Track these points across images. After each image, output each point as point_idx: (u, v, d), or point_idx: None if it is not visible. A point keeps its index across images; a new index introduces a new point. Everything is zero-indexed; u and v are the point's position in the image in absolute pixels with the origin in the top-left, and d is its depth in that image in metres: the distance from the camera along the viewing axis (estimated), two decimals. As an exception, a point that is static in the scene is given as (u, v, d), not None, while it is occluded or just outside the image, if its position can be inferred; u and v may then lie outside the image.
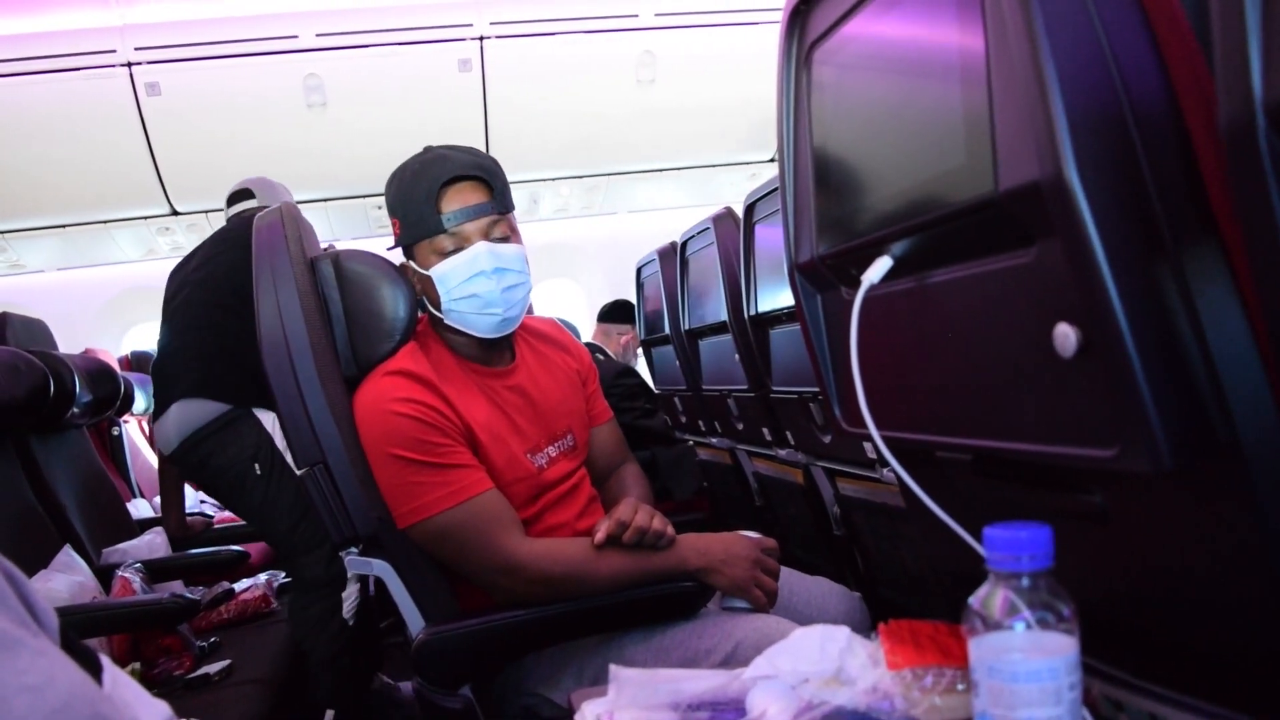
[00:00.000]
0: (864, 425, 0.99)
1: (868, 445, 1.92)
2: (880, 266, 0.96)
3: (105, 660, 0.69)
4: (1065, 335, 0.74)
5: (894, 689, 0.88)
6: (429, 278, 1.61)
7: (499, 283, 1.59)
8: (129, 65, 4.26)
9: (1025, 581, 0.71)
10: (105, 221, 4.86)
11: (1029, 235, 0.77)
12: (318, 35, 4.36)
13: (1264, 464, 0.71)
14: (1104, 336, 0.71)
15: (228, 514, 4.28)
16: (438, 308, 1.63)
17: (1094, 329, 0.72)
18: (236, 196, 3.19)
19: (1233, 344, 0.70)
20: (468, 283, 1.59)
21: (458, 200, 1.58)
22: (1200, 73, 0.68)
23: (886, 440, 0.99)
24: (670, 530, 1.56)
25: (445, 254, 1.59)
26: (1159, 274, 0.70)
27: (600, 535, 1.53)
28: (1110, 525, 0.88)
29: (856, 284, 0.99)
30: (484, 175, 1.60)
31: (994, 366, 0.87)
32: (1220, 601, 0.82)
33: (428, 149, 1.65)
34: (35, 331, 3.42)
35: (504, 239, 1.61)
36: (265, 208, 3.25)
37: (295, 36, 4.35)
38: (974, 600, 0.73)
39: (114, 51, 4.24)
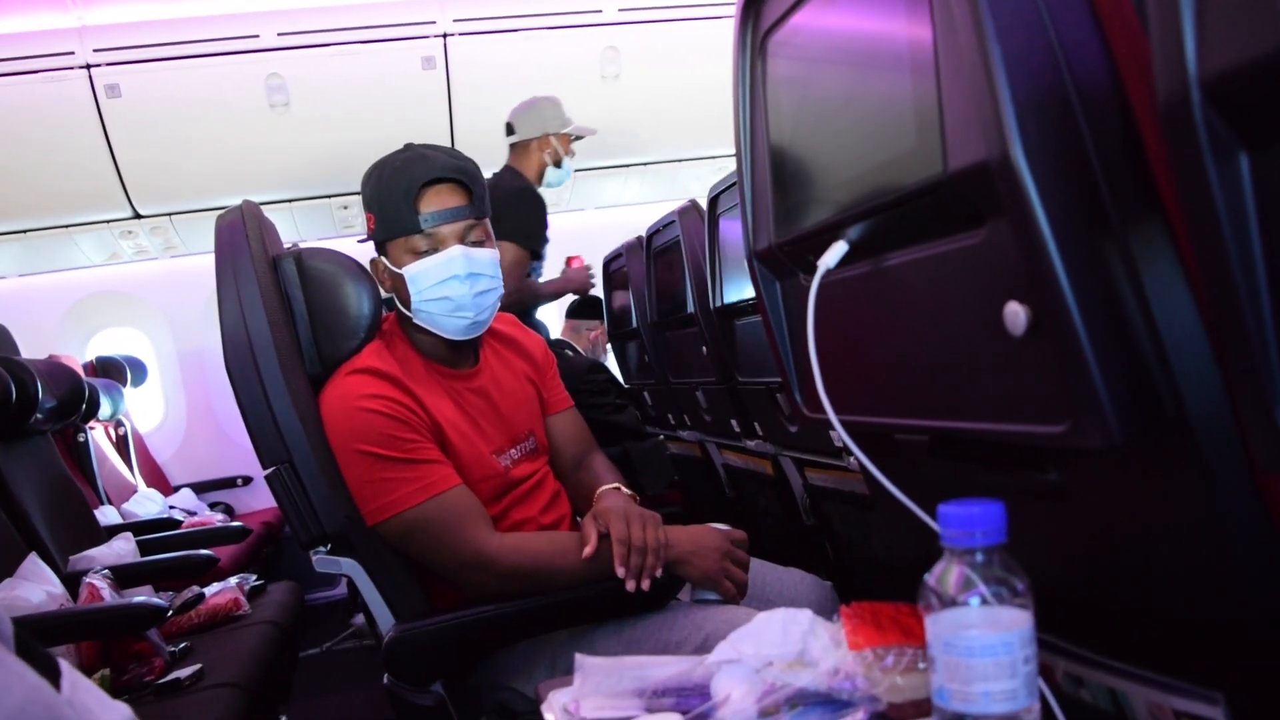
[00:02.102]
0: (823, 410, 0.99)
1: (834, 434, 1.94)
2: (836, 251, 0.97)
3: (64, 665, 0.69)
4: (1015, 314, 0.75)
5: (856, 669, 0.89)
6: (401, 276, 1.60)
7: (471, 287, 1.59)
8: (88, 67, 4.21)
9: (979, 557, 0.72)
10: (67, 226, 4.79)
11: (979, 216, 0.78)
12: (279, 35, 4.32)
13: (1211, 437, 0.72)
14: (1052, 314, 0.72)
15: (198, 518, 4.25)
16: (407, 306, 1.62)
17: (1042, 307, 0.73)
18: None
19: (1179, 320, 0.71)
20: (440, 285, 1.58)
21: (436, 202, 1.58)
22: (1142, 52, 0.69)
23: (845, 424, 1.00)
24: (664, 539, 1.53)
25: (419, 254, 1.59)
26: (1105, 251, 0.71)
27: (590, 549, 1.50)
28: (1067, 502, 0.89)
29: (814, 270, 1.00)
30: (464, 179, 1.59)
31: (948, 347, 0.88)
32: (1175, 575, 0.83)
33: (408, 146, 1.64)
34: (-3, 338, 3.38)
35: (479, 243, 1.61)
36: (526, 140, 3.64)
37: (256, 36, 4.31)
38: (929, 577, 0.73)
39: (72, 53, 4.18)
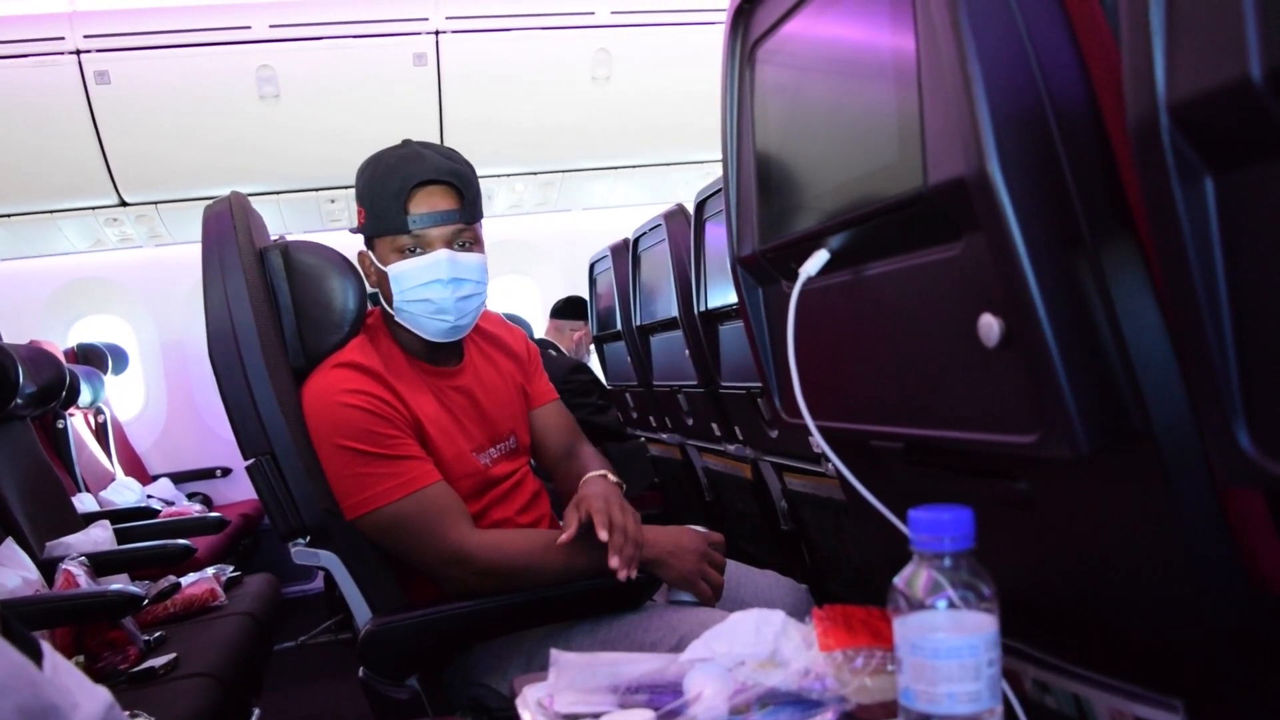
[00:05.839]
0: (801, 416, 1.01)
1: (812, 439, 1.96)
2: (817, 259, 0.98)
3: (46, 647, 0.69)
4: (989, 326, 0.77)
5: (826, 670, 0.91)
6: (385, 274, 1.60)
7: (454, 292, 1.59)
8: (78, 53, 4.18)
9: (948, 562, 0.73)
10: (51, 212, 4.76)
11: (956, 229, 0.80)
12: (271, 26, 4.31)
13: (1176, 450, 0.74)
14: (1024, 327, 0.74)
15: (175, 508, 4.24)
16: (390, 304, 1.63)
17: (1015, 320, 0.75)
18: None
19: (1147, 335, 0.73)
20: (423, 287, 1.58)
21: (426, 204, 1.57)
22: (1118, 74, 0.71)
23: (823, 430, 1.01)
24: (641, 535, 1.52)
25: (406, 254, 1.59)
26: (1078, 267, 0.73)
27: (569, 534, 1.49)
28: (1036, 511, 0.91)
29: (795, 277, 1.01)
30: (457, 182, 1.58)
31: (923, 356, 0.90)
32: (1139, 585, 0.85)
33: (406, 143, 1.63)
34: (-22, 322, 3.36)
35: (467, 247, 1.61)
36: None
37: (248, 27, 4.29)
38: (899, 580, 0.75)
39: (62, 39, 4.16)
